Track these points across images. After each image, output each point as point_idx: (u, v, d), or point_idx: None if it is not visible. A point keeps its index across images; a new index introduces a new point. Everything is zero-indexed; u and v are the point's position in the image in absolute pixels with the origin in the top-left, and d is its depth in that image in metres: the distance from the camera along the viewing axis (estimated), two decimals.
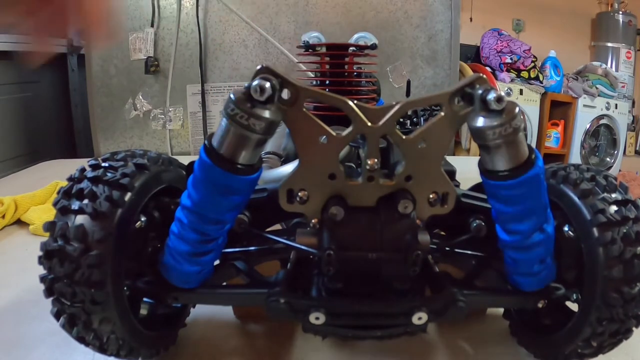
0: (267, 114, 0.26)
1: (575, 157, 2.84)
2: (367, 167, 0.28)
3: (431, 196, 0.30)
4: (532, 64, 2.48)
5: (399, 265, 0.30)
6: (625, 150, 3.09)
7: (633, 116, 3.11)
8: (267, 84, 0.25)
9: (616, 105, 2.88)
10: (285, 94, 0.27)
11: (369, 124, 0.27)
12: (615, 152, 2.97)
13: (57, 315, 0.33)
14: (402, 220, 0.29)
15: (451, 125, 0.28)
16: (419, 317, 0.30)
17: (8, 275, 0.59)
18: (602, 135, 2.94)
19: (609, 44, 2.89)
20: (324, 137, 0.27)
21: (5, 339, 0.45)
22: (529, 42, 2.47)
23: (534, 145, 2.80)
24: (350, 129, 0.27)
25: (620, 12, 2.78)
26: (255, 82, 0.25)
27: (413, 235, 0.30)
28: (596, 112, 2.84)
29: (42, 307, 0.34)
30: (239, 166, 0.27)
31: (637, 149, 3.26)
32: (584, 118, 2.80)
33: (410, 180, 0.29)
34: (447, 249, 0.37)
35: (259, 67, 0.26)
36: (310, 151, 0.28)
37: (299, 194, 0.29)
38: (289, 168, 0.36)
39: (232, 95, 0.26)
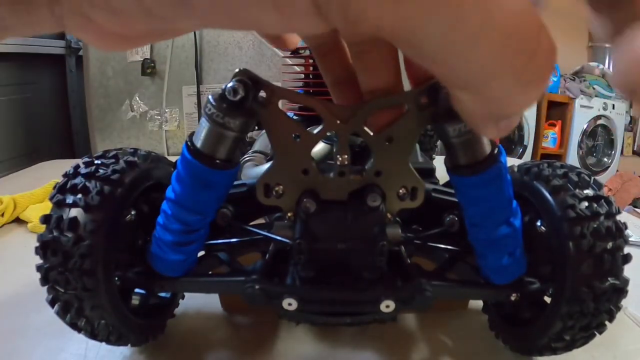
0: (240, 113, 0.28)
1: (572, 158, 2.85)
2: (338, 162, 0.30)
3: (400, 191, 0.32)
4: None
5: (367, 256, 0.32)
6: (623, 151, 3.10)
7: (630, 116, 3.11)
8: (241, 86, 0.27)
9: (613, 105, 2.88)
10: (262, 94, 0.29)
11: (338, 122, 0.29)
12: (613, 152, 2.98)
13: (52, 303, 0.35)
14: (371, 213, 0.31)
15: (418, 123, 0.30)
16: (387, 305, 0.32)
17: (7, 270, 0.61)
18: (599, 136, 2.95)
19: (607, 45, 2.89)
20: (297, 134, 0.29)
21: (4, 329, 0.47)
22: None
23: (531, 145, 2.81)
24: (320, 127, 0.29)
25: None
26: (230, 85, 0.27)
27: (381, 228, 0.32)
28: (593, 113, 2.85)
29: (39, 301, 0.36)
30: (217, 161, 0.30)
31: (635, 149, 3.27)
32: (581, 118, 2.81)
33: (379, 175, 0.31)
34: (418, 242, 0.39)
35: (236, 70, 0.28)
36: (285, 148, 0.30)
37: (275, 188, 0.31)
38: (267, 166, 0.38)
39: (210, 97, 0.28)
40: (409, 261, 0.37)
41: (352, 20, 0.11)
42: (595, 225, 0.34)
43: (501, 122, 0.13)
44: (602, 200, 0.36)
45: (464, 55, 0.11)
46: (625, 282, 0.35)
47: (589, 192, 0.36)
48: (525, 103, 0.12)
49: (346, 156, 0.30)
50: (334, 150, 0.30)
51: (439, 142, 0.94)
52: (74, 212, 0.34)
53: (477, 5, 0.10)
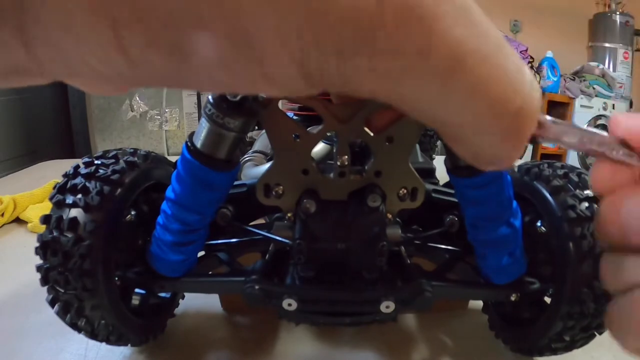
0: (240, 113, 0.28)
1: (572, 158, 2.85)
2: (338, 163, 0.30)
3: (401, 191, 0.32)
4: (529, 65, 2.49)
5: (367, 256, 0.32)
6: None
7: None
8: None
9: (613, 105, 2.88)
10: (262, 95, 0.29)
11: (338, 122, 0.29)
12: None
13: (52, 303, 0.35)
14: (371, 214, 0.31)
15: (418, 123, 0.30)
16: (387, 306, 0.32)
17: (7, 270, 0.61)
18: None
19: (607, 45, 2.89)
20: (297, 134, 0.29)
21: (4, 329, 0.47)
22: (526, 43, 2.48)
23: (530, 146, 2.81)
24: (320, 127, 0.29)
25: (618, 13, 2.78)
26: None
27: (381, 228, 0.32)
28: (593, 113, 2.84)
29: (39, 301, 0.37)
30: (217, 161, 0.30)
31: None
32: (581, 118, 2.81)
33: (379, 175, 0.31)
34: (418, 242, 0.39)
35: None
36: (285, 148, 0.30)
37: (275, 188, 0.31)
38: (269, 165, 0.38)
39: (209, 97, 0.28)
40: (408, 261, 0.37)
41: (344, 89, 0.11)
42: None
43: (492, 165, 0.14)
44: None
45: (451, 118, 0.12)
46: None
47: (589, 192, 0.36)
48: (511, 155, 0.13)
49: (346, 156, 0.30)
50: (334, 150, 0.30)
51: (438, 142, 0.94)
52: (74, 212, 0.34)
53: (465, 79, 0.11)
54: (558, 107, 2.82)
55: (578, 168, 0.39)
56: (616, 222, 0.13)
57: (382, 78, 0.11)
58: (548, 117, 0.14)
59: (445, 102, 0.11)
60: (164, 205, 0.33)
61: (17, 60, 0.11)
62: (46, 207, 0.80)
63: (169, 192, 0.32)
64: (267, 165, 0.33)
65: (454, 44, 0.10)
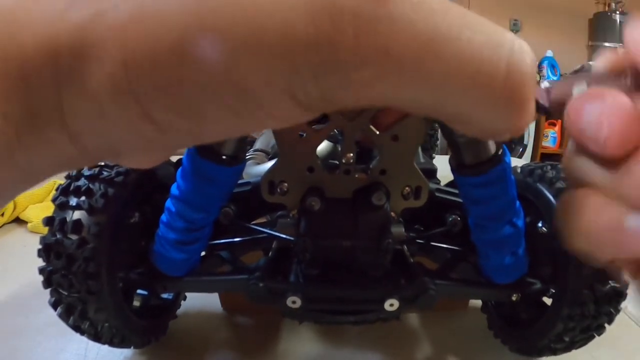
0: None
1: None
2: (343, 161, 0.30)
3: (405, 190, 0.32)
4: None
5: (371, 253, 0.32)
6: None
7: None
8: None
9: None
10: None
11: (344, 119, 0.29)
12: None
13: (54, 305, 0.35)
14: (376, 211, 0.31)
15: (424, 122, 0.30)
16: (391, 304, 0.31)
17: (7, 270, 0.61)
18: None
19: (606, 44, 2.89)
20: (302, 132, 0.29)
21: (4, 329, 0.47)
22: (526, 42, 2.48)
23: (531, 145, 2.81)
24: (326, 124, 0.29)
25: (618, 12, 2.79)
26: None
27: (386, 225, 0.31)
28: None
29: (39, 301, 0.36)
30: (223, 158, 0.30)
31: None
32: None
33: (384, 174, 0.31)
34: (421, 241, 0.39)
35: None
36: (290, 145, 0.30)
37: (280, 185, 0.31)
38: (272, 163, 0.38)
39: None
40: (412, 260, 0.37)
41: (335, 107, 0.12)
42: None
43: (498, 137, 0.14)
44: None
45: (442, 105, 0.12)
46: (626, 285, 0.35)
47: None
48: (519, 121, 0.13)
49: (352, 154, 0.30)
50: (339, 148, 0.30)
51: (438, 142, 0.94)
52: (78, 214, 0.33)
53: (438, 65, 0.11)
54: None
55: None
56: (576, 126, 0.14)
57: (361, 87, 0.11)
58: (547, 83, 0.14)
59: (429, 92, 0.12)
60: (169, 203, 0.33)
61: (67, 153, 0.12)
62: (46, 207, 0.80)
63: (174, 189, 0.32)
64: (271, 163, 0.33)
65: (411, 37, 0.11)
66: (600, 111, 0.13)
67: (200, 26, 0.10)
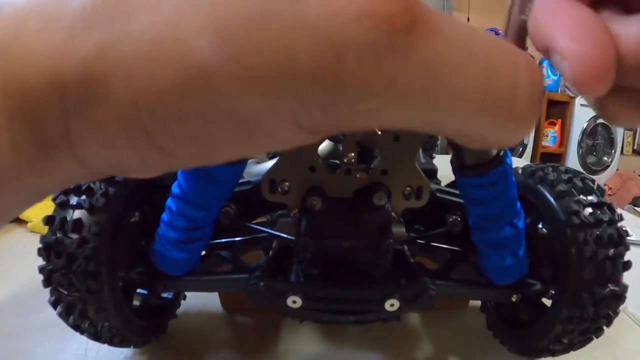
0: None
1: (572, 157, 2.85)
2: (345, 160, 0.30)
3: (406, 190, 0.32)
4: None
5: (372, 253, 0.32)
6: (623, 150, 3.10)
7: None
8: None
9: None
10: None
11: None
12: (613, 151, 2.98)
13: (54, 304, 0.35)
14: (377, 211, 0.31)
15: None
16: (391, 304, 0.31)
17: (7, 270, 0.61)
18: (599, 135, 2.95)
19: None
20: None
21: (4, 329, 0.47)
22: (526, 42, 2.48)
23: (531, 144, 2.81)
24: None
25: None
26: None
27: (387, 225, 0.31)
28: (593, 111, 2.85)
29: (39, 301, 0.36)
30: None
31: (635, 148, 3.27)
32: (581, 117, 2.81)
33: (385, 174, 0.31)
34: (421, 241, 0.39)
35: None
36: None
37: (281, 184, 0.31)
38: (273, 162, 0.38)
39: None
40: (412, 260, 0.37)
41: (341, 131, 0.12)
42: (598, 233, 0.34)
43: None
44: (605, 207, 0.36)
45: (450, 124, 0.12)
46: (625, 288, 0.35)
47: (592, 198, 0.36)
48: (513, 138, 0.13)
49: (353, 154, 0.30)
50: (341, 147, 0.30)
51: (438, 142, 0.94)
52: (78, 213, 0.33)
53: (445, 90, 0.11)
54: (558, 106, 2.83)
55: (582, 173, 0.39)
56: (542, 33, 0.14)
57: (368, 115, 0.12)
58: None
59: (435, 115, 0.12)
60: (169, 202, 0.33)
61: (76, 174, 0.13)
62: (46, 207, 0.79)
63: (175, 188, 0.32)
64: (271, 162, 0.33)
65: (418, 67, 0.11)
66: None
67: (206, 59, 0.10)
